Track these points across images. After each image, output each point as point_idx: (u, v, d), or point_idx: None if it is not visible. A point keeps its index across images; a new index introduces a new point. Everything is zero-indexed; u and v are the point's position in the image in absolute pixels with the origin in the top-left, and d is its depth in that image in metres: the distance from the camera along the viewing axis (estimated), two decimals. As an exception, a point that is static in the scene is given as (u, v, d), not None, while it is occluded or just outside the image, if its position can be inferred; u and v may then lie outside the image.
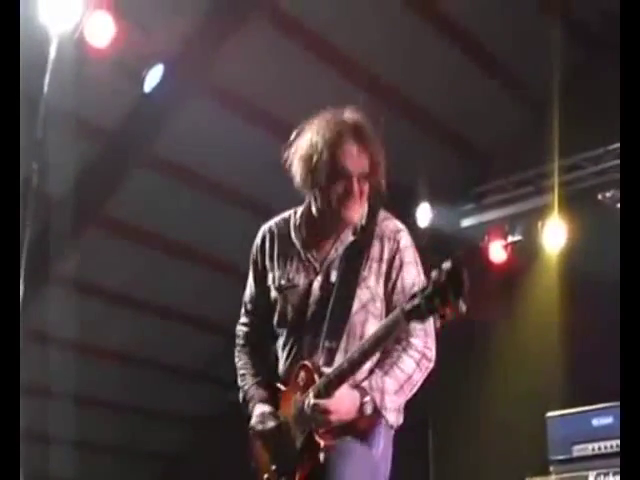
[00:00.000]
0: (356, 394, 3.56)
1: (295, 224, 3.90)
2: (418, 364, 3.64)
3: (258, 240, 3.98)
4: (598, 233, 8.34)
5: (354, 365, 3.49)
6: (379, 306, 3.71)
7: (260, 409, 3.80)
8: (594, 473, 6.47)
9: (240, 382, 3.97)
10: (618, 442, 6.46)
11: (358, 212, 3.74)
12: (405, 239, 3.79)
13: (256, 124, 8.98)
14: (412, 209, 8.99)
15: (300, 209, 3.92)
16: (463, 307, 3.14)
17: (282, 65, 8.65)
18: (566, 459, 6.71)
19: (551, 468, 6.74)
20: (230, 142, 8.80)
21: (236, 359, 4.04)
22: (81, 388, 10.49)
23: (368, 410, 3.56)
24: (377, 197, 3.81)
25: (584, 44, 9.64)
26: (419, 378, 3.67)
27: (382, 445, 3.69)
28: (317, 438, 3.56)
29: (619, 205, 7.99)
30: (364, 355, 3.47)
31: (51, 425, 10.02)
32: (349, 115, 3.79)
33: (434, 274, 3.16)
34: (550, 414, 6.93)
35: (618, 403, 6.50)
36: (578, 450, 6.70)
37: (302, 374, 3.67)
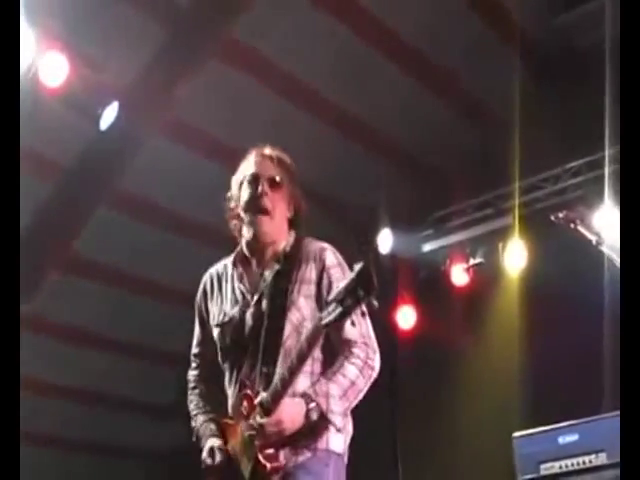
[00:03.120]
0: (301, 401, 3.66)
1: (231, 261, 4.07)
2: (361, 371, 3.75)
3: (201, 286, 4.16)
4: (558, 252, 8.43)
5: (285, 383, 3.62)
6: (310, 326, 3.71)
7: (210, 444, 3.88)
8: (561, 491, 6.51)
9: (193, 423, 4.08)
10: (585, 459, 6.49)
11: (272, 226, 3.91)
12: (330, 257, 3.90)
13: (214, 157, 8.99)
14: (373, 236, 9.05)
15: (236, 250, 4.10)
16: (375, 304, 3.32)
17: (238, 97, 8.69)
18: (534, 478, 6.71)
19: (519, 488, 6.76)
20: (189, 175, 8.82)
21: (188, 403, 4.16)
22: (48, 428, 10.45)
23: (314, 416, 3.65)
24: (300, 224, 4.02)
25: (539, 65, 9.74)
26: (363, 385, 3.77)
27: (332, 476, 3.75)
28: (263, 461, 3.63)
29: (572, 225, 8.08)
30: (292, 372, 3.61)
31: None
32: (269, 147, 4.07)
33: (346, 281, 3.37)
34: (517, 434, 6.93)
35: (583, 420, 6.60)
36: (545, 469, 6.69)
37: (244, 403, 3.77)
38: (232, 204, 4.02)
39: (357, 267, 3.36)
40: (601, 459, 6.43)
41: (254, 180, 3.93)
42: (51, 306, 9.56)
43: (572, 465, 6.58)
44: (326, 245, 3.95)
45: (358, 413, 3.90)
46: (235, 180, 4.04)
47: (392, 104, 9.42)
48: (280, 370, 3.67)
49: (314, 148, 9.36)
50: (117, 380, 10.71)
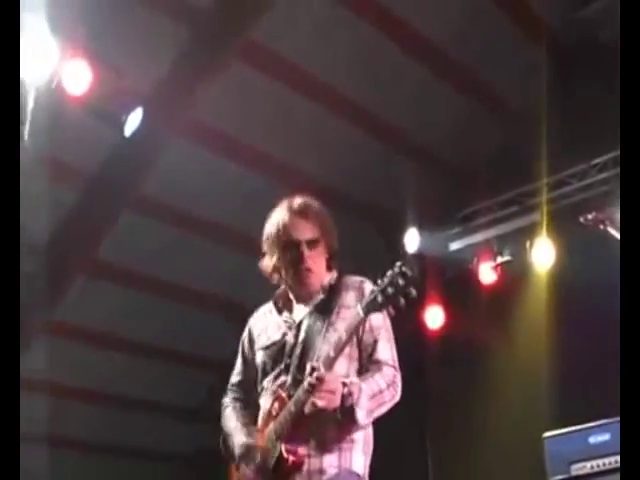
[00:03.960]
0: (338, 380, 3.81)
1: (273, 300, 4.29)
2: (388, 386, 3.92)
3: (247, 327, 4.36)
4: (586, 248, 8.37)
5: (338, 348, 3.79)
6: (347, 348, 3.88)
7: (242, 440, 4.06)
8: (593, 491, 6.45)
9: (223, 439, 4.23)
10: (616, 459, 6.41)
11: (316, 279, 4.13)
12: (369, 287, 4.01)
13: (238, 159, 9.01)
14: (400, 236, 9.03)
15: (278, 291, 4.31)
16: (413, 292, 3.61)
17: (261, 98, 8.68)
18: (565, 479, 6.66)
19: (550, 489, 6.71)
20: (214, 178, 8.83)
21: (222, 421, 4.30)
22: (74, 432, 10.48)
23: (348, 401, 3.77)
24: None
25: (563, 60, 9.66)
26: (388, 399, 3.93)
27: None
28: (285, 455, 3.80)
29: (602, 226, 8.00)
30: (331, 363, 3.78)
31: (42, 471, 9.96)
32: (297, 200, 4.20)
33: (389, 272, 3.65)
34: (547, 434, 6.88)
35: (614, 419, 6.51)
36: (576, 469, 6.63)
37: (276, 405, 3.95)
38: (272, 262, 4.18)
39: (398, 263, 3.65)
40: (633, 458, 6.36)
41: (294, 245, 4.10)
42: (71, 310, 9.56)
43: (603, 465, 6.52)
44: (365, 279, 4.13)
45: (389, 414, 3.97)
46: (268, 236, 4.19)
47: (417, 104, 9.40)
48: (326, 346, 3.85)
49: (338, 150, 9.37)
50: (140, 382, 10.69)
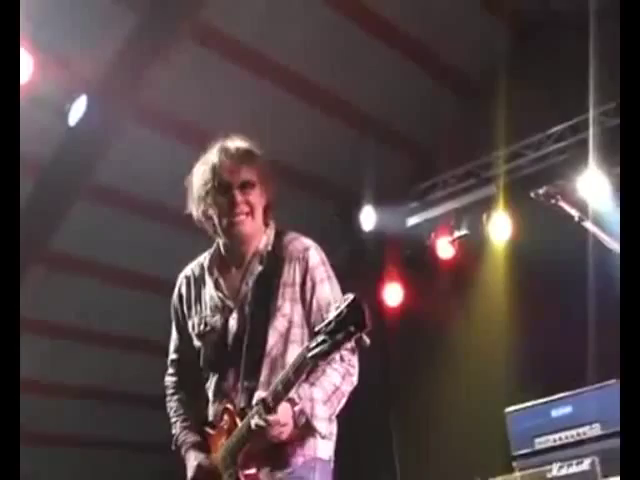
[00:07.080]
0: (287, 405, 3.44)
1: (207, 266, 3.85)
2: (343, 377, 3.59)
3: (176, 289, 3.95)
4: (543, 220, 8.35)
5: (288, 386, 3.38)
6: (298, 332, 3.63)
7: (195, 459, 3.75)
8: (557, 465, 6.44)
9: (172, 430, 3.92)
10: (578, 431, 6.49)
11: (252, 227, 3.70)
12: (314, 257, 3.72)
13: (190, 142, 8.87)
14: (355, 213, 8.98)
15: (211, 250, 3.89)
16: (367, 341, 3.11)
17: (211, 79, 8.56)
18: (529, 453, 6.69)
19: (514, 463, 6.71)
20: (167, 163, 8.69)
21: (168, 410, 3.98)
22: (56, 428, 10.39)
23: (302, 420, 3.47)
24: (272, 211, 3.81)
25: (517, 31, 9.60)
26: (346, 391, 3.61)
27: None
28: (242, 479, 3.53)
29: (553, 201, 7.94)
30: (281, 397, 3.40)
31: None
32: (231, 141, 3.79)
33: (333, 315, 3.12)
34: (510, 409, 6.89)
35: (575, 392, 6.57)
36: (540, 443, 6.68)
37: (225, 417, 3.65)
38: (202, 206, 3.71)
39: (348, 298, 3.12)
40: (595, 430, 6.40)
41: (227, 188, 3.66)
42: (51, 307, 9.47)
43: (567, 438, 6.57)
44: (309, 243, 3.77)
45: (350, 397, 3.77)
46: (200, 178, 3.71)
47: (369, 78, 9.30)
48: (273, 383, 3.48)
49: (293, 127, 9.27)
50: (128, 376, 10.57)
